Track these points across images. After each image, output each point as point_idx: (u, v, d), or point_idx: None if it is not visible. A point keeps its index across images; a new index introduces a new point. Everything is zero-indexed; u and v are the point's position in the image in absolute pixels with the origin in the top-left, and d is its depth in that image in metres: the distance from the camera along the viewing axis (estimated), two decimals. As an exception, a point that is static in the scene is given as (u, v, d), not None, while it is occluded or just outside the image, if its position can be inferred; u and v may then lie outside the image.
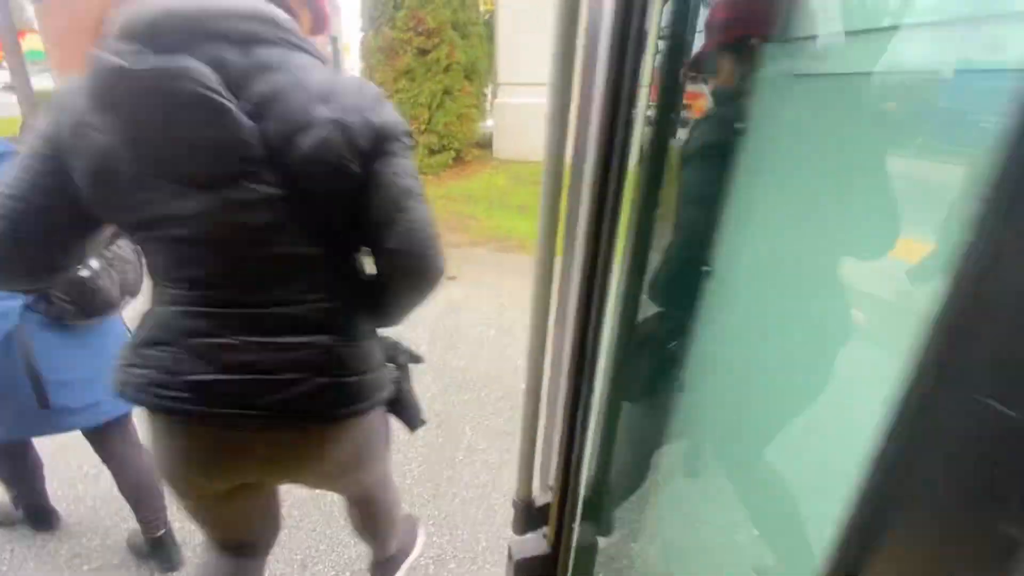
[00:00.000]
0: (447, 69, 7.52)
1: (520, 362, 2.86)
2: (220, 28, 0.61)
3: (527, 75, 8.25)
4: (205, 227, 0.66)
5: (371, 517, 1.14)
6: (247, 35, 0.62)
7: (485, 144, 8.97)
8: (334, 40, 15.49)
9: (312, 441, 0.81)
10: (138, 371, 0.73)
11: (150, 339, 0.73)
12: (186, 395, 0.71)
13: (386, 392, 0.90)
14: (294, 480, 0.92)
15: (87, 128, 0.62)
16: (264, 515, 1.00)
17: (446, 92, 7.68)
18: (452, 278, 4.55)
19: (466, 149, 8.48)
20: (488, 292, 4.32)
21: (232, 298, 0.71)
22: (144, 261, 0.76)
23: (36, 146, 0.65)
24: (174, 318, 0.72)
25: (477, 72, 8.19)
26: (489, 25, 8.71)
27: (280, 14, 0.65)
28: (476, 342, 3.38)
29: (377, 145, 0.69)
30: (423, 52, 7.33)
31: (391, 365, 0.97)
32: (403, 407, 0.98)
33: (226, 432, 0.75)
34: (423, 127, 7.75)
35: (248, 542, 0.98)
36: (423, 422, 1.06)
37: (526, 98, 8.31)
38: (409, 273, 0.79)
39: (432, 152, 8.02)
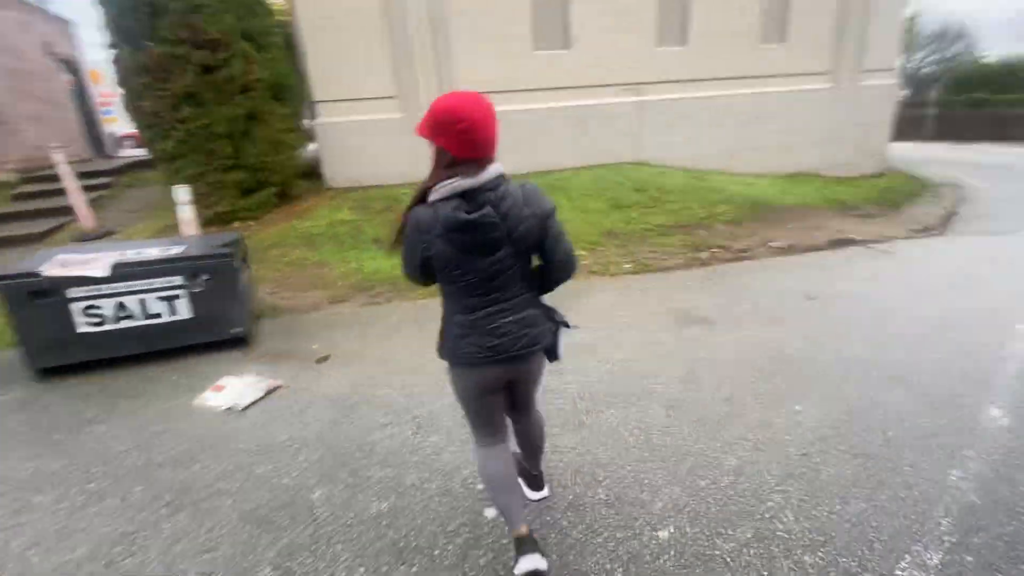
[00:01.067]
0: (247, 89, 6.07)
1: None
2: (489, 186, 1.39)
3: (349, 89, 7.16)
4: (487, 270, 1.45)
5: (534, 431, 1.91)
6: (496, 184, 1.40)
7: (312, 173, 7.62)
8: (67, 65, 12.09)
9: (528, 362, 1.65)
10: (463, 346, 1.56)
11: (464, 333, 1.54)
12: (485, 353, 1.54)
13: (548, 339, 1.66)
14: (517, 380, 1.70)
15: (437, 237, 1.39)
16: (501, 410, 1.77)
17: (251, 117, 6.21)
18: (324, 359, 3.43)
19: (290, 182, 7.06)
20: (379, 371, 3.32)
21: (496, 299, 1.52)
22: (452, 289, 1.53)
23: (416, 240, 1.43)
24: (473, 319, 1.53)
25: (287, 90, 6.83)
26: (287, 35, 7.37)
27: (501, 167, 1.42)
28: (385, 455, 2.44)
29: (545, 220, 1.47)
30: (209, 69, 5.78)
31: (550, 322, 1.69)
32: (552, 347, 1.69)
33: (501, 364, 1.58)
34: (228, 163, 6.17)
35: (499, 426, 1.76)
36: (558, 358, 1.72)
37: (353, 116, 7.22)
38: (564, 270, 1.57)
39: (246, 192, 6.46)
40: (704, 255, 5.64)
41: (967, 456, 2.26)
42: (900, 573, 1.69)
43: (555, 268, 1.55)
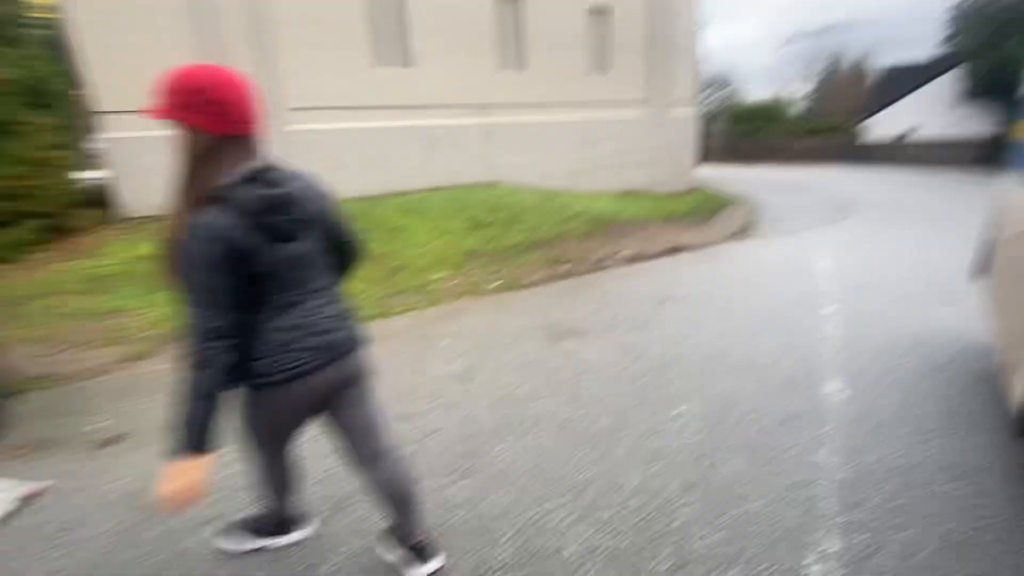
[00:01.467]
0: (-15, 92, 4.61)
1: None
2: (273, 166, 1.25)
3: (146, 99, 5.92)
4: (298, 257, 1.29)
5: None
6: (278, 165, 1.27)
7: (101, 201, 6.11)
8: None
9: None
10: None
11: (288, 339, 1.31)
12: (317, 356, 1.37)
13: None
14: (350, 383, 1.51)
15: (241, 228, 1.15)
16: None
17: (-5, 128, 4.73)
18: (111, 442, 2.53)
19: (65, 212, 5.54)
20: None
21: (312, 292, 1.36)
22: (263, 292, 1.27)
23: (210, 251, 1.13)
24: (294, 320, 1.32)
25: (53, 97, 5.38)
26: (52, 29, 5.87)
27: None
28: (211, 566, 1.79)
29: (332, 202, 1.41)
30: (-83, 63, 4.25)
31: None
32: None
33: (334, 364, 1.43)
34: (-41, 189, 4.59)
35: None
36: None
37: (152, 130, 5.96)
38: (359, 252, 1.55)
39: (-6, 227, 4.88)
40: (563, 269, 5.74)
41: (826, 432, 2.42)
42: (810, 572, 1.66)
43: (351, 251, 1.52)
